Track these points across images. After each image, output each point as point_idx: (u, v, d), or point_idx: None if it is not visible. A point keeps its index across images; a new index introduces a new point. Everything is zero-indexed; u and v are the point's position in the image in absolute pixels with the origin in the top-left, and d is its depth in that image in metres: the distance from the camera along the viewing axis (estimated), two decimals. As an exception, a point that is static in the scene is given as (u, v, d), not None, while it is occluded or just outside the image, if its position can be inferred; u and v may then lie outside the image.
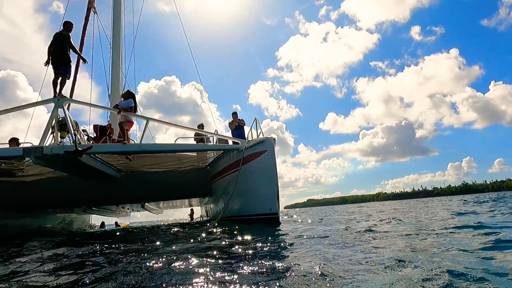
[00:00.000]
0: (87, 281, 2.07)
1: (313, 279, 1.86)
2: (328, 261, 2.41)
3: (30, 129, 12.31)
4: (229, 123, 10.01)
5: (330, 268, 2.11)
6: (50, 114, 7.19)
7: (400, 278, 1.80)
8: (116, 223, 23.22)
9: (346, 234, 4.23)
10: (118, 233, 8.52)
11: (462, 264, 2.03)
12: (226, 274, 2.07)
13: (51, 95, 7.41)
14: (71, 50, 7.46)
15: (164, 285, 1.91)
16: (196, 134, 10.00)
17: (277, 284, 1.80)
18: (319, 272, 1.98)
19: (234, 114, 10.10)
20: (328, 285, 1.77)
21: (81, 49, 11.22)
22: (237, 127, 9.84)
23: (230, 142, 8.87)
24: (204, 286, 1.85)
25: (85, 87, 19.35)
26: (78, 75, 12.22)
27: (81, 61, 7.97)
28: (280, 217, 6.66)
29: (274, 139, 6.80)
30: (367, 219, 7.30)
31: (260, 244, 3.56)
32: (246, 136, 9.19)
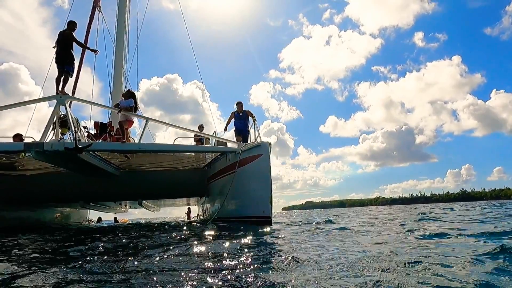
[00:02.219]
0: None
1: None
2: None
3: (31, 122, 12.39)
4: (232, 113, 9.18)
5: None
6: (51, 109, 7.36)
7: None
8: (115, 218, 23.38)
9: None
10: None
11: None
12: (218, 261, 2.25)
13: (54, 88, 7.58)
14: (74, 48, 7.64)
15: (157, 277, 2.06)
16: (195, 135, 10.13)
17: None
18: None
19: (239, 104, 9.18)
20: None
21: (84, 49, 11.36)
22: (241, 117, 9.05)
23: (229, 144, 9.01)
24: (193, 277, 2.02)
25: (87, 81, 19.49)
26: (80, 70, 12.33)
27: (84, 57, 8.12)
28: (272, 220, 6.81)
29: (270, 143, 6.95)
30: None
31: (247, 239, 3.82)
32: (249, 130, 8.76)
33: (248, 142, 8.46)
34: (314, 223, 7.59)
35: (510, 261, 2.22)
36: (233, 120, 9.21)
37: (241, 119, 9.11)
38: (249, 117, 9.05)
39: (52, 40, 7.74)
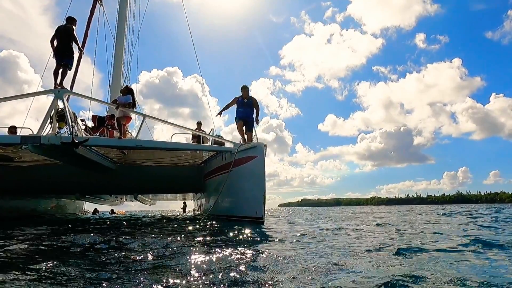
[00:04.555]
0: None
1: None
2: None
3: (29, 111, 12.33)
4: (235, 98, 8.20)
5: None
6: (49, 99, 7.40)
7: None
8: (112, 210, 23.55)
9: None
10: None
11: None
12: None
13: (53, 79, 7.59)
14: (73, 42, 7.64)
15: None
16: (194, 131, 10.17)
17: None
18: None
19: (244, 88, 8.15)
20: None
21: (84, 41, 11.35)
22: (245, 104, 8.06)
23: (227, 144, 9.07)
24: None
25: (87, 72, 19.43)
26: (79, 64, 12.31)
27: (83, 53, 8.09)
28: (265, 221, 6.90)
29: (265, 145, 7.00)
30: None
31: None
32: (255, 117, 8.07)
33: (253, 132, 8.05)
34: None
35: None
36: (235, 108, 8.20)
37: (246, 106, 8.05)
38: (253, 105, 8.12)
39: (53, 29, 7.74)
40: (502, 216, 9.77)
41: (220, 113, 8.88)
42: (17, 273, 2.08)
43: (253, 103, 8.12)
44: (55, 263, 2.38)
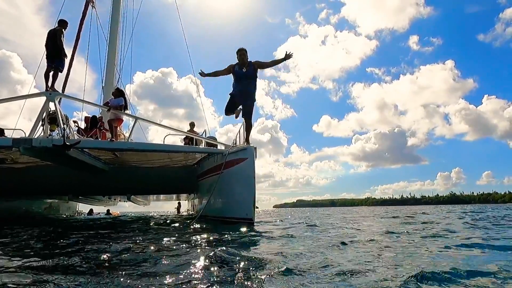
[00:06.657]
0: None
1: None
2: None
3: (21, 111, 12.26)
4: (230, 66, 6.41)
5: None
6: (42, 99, 7.42)
7: None
8: (108, 211, 23.57)
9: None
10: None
11: None
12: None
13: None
14: (64, 44, 7.70)
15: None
16: (187, 132, 10.24)
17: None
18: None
19: (241, 52, 6.26)
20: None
21: (76, 43, 11.39)
22: (244, 75, 6.25)
23: (219, 145, 9.18)
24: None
25: (81, 71, 19.36)
26: (71, 67, 12.32)
27: (66, 57, 8.08)
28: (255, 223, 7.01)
29: (255, 148, 7.06)
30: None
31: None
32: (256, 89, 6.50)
33: (252, 112, 6.86)
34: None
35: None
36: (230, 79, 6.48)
37: (245, 79, 6.25)
38: (255, 72, 6.25)
39: (47, 28, 7.84)
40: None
41: (204, 74, 6.60)
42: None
43: (254, 70, 6.24)
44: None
